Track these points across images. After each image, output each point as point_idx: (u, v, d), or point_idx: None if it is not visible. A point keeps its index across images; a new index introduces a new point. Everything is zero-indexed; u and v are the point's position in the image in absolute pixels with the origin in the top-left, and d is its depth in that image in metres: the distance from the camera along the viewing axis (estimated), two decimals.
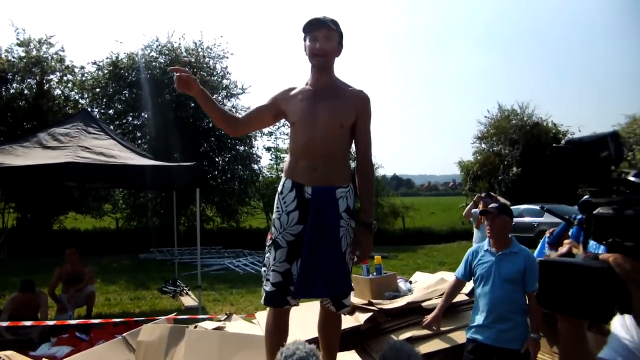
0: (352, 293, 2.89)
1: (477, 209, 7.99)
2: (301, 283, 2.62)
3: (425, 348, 3.63)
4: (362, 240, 2.77)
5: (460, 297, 4.15)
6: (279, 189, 2.80)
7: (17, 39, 17.45)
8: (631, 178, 1.03)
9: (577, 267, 0.96)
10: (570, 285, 0.95)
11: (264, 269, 2.78)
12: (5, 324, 5.42)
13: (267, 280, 2.72)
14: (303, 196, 2.68)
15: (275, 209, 2.78)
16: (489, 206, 3.67)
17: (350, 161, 2.97)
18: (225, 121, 2.91)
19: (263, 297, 2.76)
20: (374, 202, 2.92)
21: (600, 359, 1.11)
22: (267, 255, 2.77)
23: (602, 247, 1.06)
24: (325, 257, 2.62)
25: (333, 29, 2.71)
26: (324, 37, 2.70)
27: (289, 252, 2.67)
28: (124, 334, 4.19)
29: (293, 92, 2.83)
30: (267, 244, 2.77)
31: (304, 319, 2.86)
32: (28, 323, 5.43)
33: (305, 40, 2.76)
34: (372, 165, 2.95)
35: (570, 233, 3.33)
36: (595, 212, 1.05)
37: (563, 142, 1.08)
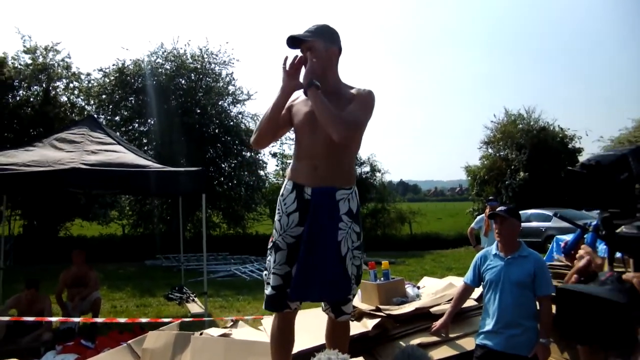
0: (351, 302, 2.84)
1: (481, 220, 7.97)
2: (297, 285, 2.57)
3: (434, 354, 3.57)
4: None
5: (469, 303, 4.10)
6: (281, 191, 2.78)
7: (24, 46, 17.54)
8: None
9: (598, 299, 0.87)
10: (591, 318, 0.88)
11: (265, 272, 2.77)
12: (6, 318, 5.43)
13: (268, 284, 2.70)
14: (303, 197, 2.65)
15: (276, 212, 2.76)
16: (497, 209, 3.61)
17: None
18: (274, 124, 2.79)
19: (264, 302, 2.75)
20: (328, 109, 2.54)
21: None
22: (268, 258, 2.74)
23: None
24: (321, 259, 2.55)
25: (311, 40, 2.68)
26: (306, 51, 2.68)
27: (289, 254, 2.63)
28: (129, 341, 4.16)
29: (297, 95, 2.78)
30: (268, 247, 2.74)
31: (312, 325, 2.82)
32: (31, 318, 5.39)
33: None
34: (346, 122, 2.56)
35: (585, 239, 3.27)
36: (618, 231, 0.97)
37: (578, 164, 0.99)
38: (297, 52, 2.72)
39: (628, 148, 0.94)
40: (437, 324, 3.72)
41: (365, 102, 2.68)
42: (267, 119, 2.75)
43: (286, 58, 2.65)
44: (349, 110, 2.59)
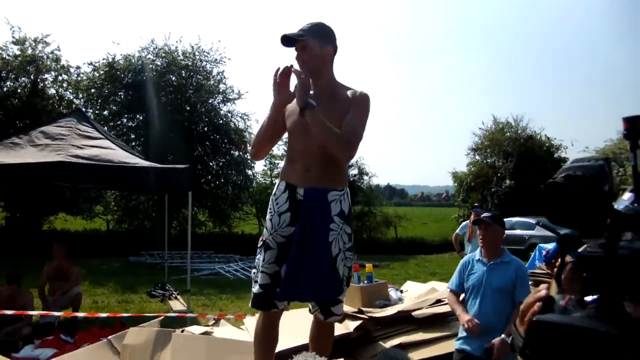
0: (342, 304, 2.82)
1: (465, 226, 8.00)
2: (286, 284, 2.57)
3: (414, 356, 3.60)
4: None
5: (449, 307, 4.12)
6: (273, 191, 2.78)
7: (13, 37, 17.27)
8: (619, 206, 0.84)
9: (584, 331, 0.71)
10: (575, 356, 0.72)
11: (253, 271, 2.76)
12: None
13: (256, 282, 2.69)
14: (295, 197, 2.65)
15: (268, 211, 2.76)
16: (482, 215, 3.64)
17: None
18: (270, 135, 2.83)
19: (251, 300, 2.73)
20: (328, 130, 2.52)
21: None
22: (257, 257, 2.73)
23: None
24: (312, 260, 2.55)
25: (304, 39, 2.62)
26: (300, 50, 2.64)
27: (279, 254, 2.62)
28: (109, 337, 4.13)
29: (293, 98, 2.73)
30: (258, 245, 2.74)
31: (295, 326, 2.82)
32: (10, 312, 5.33)
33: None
34: (348, 141, 2.57)
35: None
36: (580, 250, 0.82)
37: (560, 176, 0.83)
38: (292, 50, 2.67)
39: (600, 158, 0.81)
40: (470, 324, 3.32)
41: (362, 109, 2.67)
42: (263, 132, 2.78)
43: (277, 70, 2.61)
44: (348, 122, 2.57)
